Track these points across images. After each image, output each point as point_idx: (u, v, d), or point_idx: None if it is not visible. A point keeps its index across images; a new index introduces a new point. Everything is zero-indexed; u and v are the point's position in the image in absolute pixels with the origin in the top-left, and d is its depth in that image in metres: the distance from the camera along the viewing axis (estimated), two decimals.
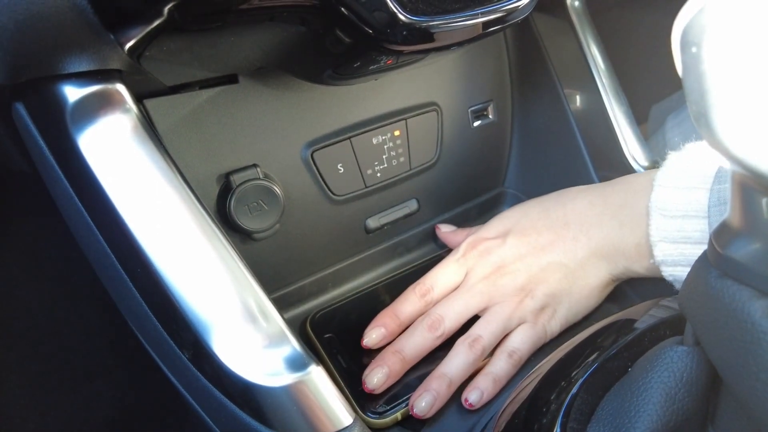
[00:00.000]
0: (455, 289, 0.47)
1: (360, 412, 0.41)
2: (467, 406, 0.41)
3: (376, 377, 0.42)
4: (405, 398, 0.41)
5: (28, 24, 0.26)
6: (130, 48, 0.30)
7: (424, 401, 0.40)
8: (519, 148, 0.62)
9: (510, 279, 0.46)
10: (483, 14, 0.34)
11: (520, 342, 0.44)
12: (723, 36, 0.16)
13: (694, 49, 0.17)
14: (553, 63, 0.57)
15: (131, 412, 0.69)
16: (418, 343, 0.44)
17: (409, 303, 0.47)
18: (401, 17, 0.31)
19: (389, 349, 0.44)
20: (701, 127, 0.18)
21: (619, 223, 0.44)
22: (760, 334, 0.19)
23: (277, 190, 0.43)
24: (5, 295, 0.65)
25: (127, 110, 0.32)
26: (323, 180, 0.47)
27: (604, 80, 0.55)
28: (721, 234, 0.21)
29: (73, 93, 0.30)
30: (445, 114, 0.53)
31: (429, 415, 0.41)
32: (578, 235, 0.46)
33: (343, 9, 0.30)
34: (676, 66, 0.19)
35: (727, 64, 0.16)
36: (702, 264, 0.23)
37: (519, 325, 0.45)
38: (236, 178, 0.42)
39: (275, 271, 0.48)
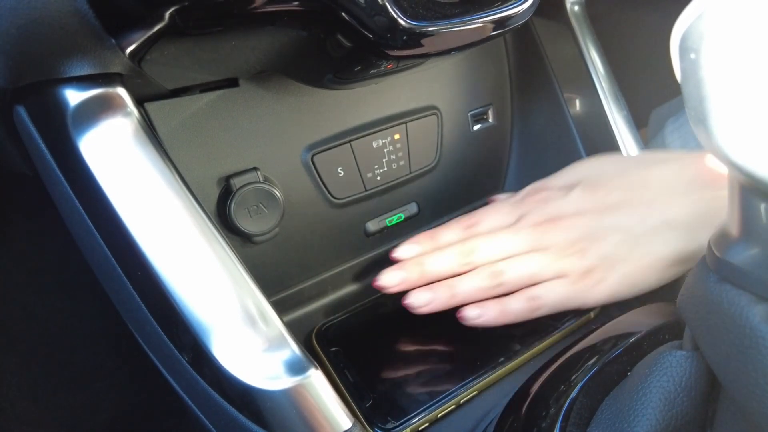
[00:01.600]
0: None
1: (368, 428, 0.40)
2: (458, 317, 0.39)
3: (392, 274, 0.40)
4: (414, 413, 0.40)
5: (29, 29, 0.26)
6: (132, 52, 0.30)
7: (423, 295, 0.39)
8: (519, 151, 0.62)
9: (561, 232, 0.40)
10: (482, 19, 0.34)
11: (547, 291, 0.39)
12: (721, 42, 0.17)
13: (692, 56, 0.17)
14: (553, 67, 0.57)
15: (131, 414, 0.69)
16: (443, 262, 0.41)
17: (450, 231, 0.44)
18: (401, 22, 0.31)
19: (412, 259, 0.42)
20: (700, 133, 0.18)
21: (712, 195, 0.36)
22: (759, 339, 0.19)
23: (278, 193, 0.43)
24: (5, 297, 0.65)
25: (128, 114, 0.32)
26: (323, 183, 0.47)
27: (603, 84, 0.55)
28: (720, 239, 0.21)
29: (74, 96, 0.30)
30: (445, 118, 0.53)
31: (421, 311, 0.39)
32: (656, 199, 0.39)
33: (344, 14, 0.30)
34: (675, 72, 0.19)
35: (726, 70, 0.17)
36: (701, 268, 0.23)
37: (555, 278, 0.40)
38: (236, 182, 0.42)
39: (275, 274, 0.48)
